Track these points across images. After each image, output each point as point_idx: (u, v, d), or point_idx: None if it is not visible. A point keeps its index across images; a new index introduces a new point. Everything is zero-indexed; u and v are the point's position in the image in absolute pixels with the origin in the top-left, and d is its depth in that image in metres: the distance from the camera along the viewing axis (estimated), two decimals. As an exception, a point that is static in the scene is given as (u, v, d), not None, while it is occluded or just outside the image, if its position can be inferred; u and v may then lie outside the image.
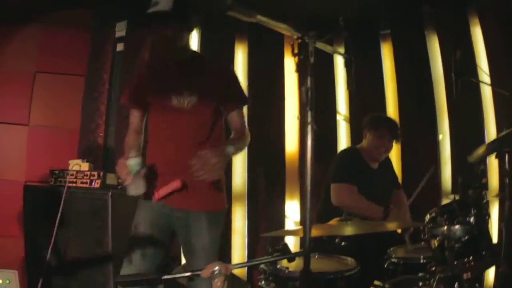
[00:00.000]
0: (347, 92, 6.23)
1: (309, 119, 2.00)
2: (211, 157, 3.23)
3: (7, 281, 5.00)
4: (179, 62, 3.57)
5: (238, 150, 3.60)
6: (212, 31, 6.06)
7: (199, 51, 5.92)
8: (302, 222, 5.81)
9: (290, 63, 6.20)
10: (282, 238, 2.91)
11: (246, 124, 3.76)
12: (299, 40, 2.11)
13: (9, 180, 5.51)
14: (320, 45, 2.26)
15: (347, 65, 2.73)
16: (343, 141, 6.19)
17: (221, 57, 6.02)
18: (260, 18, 1.99)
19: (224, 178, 3.69)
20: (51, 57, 5.79)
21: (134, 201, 3.58)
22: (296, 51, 2.13)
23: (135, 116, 3.82)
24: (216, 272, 2.19)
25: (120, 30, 5.95)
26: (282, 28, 2.10)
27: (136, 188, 3.31)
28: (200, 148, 3.35)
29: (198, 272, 2.21)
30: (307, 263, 2.03)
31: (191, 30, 3.66)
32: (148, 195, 3.53)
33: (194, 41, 6.00)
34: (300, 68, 2.08)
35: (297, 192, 6.05)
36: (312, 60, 2.07)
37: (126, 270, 3.48)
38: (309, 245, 2.12)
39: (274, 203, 6.04)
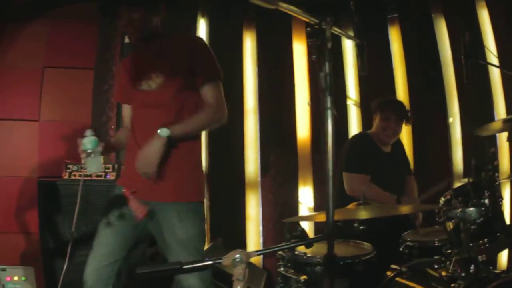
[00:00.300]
0: (356, 77, 6.23)
1: (329, 105, 2.01)
2: (140, 158, 3.27)
3: (23, 278, 5.03)
4: (147, 46, 3.51)
5: (196, 126, 3.44)
6: (219, 19, 6.07)
7: (207, 39, 5.97)
8: (317, 207, 5.90)
9: (299, 49, 6.20)
10: (298, 224, 2.90)
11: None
12: (316, 26, 2.11)
13: (22, 176, 5.52)
14: (334, 30, 2.26)
15: (359, 50, 2.73)
16: (354, 126, 6.19)
17: (230, 43, 6.08)
18: (281, 5, 2.00)
19: (195, 167, 3.56)
20: (59, 51, 5.79)
21: None
22: (312, 37, 2.13)
23: (124, 111, 3.80)
24: (237, 260, 2.19)
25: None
26: (300, 14, 2.10)
27: (91, 166, 3.27)
28: None
29: (220, 261, 2.22)
30: (331, 247, 2.04)
31: (159, 14, 3.51)
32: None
33: (202, 29, 6.03)
34: (318, 54, 2.09)
35: (310, 178, 6.06)
36: (329, 45, 2.08)
37: (92, 260, 3.47)
38: (332, 230, 2.13)
39: (287, 189, 6.07)
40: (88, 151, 3.24)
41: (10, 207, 5.44)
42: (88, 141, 3.24)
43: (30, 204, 5.24)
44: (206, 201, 5.85)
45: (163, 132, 3.22)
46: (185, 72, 3.41)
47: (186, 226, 3.38)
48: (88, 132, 3.27)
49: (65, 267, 4.25)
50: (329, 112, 2.00)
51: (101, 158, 3.32)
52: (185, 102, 3.44)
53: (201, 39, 3.63)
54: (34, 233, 5.24)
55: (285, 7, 1.99)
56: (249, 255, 2.20)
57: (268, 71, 6.14)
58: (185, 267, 2.32)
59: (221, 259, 2.21)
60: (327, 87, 2.02)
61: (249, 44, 6.17)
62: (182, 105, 3.43)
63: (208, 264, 2.27)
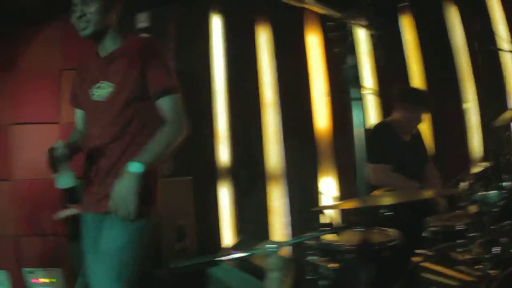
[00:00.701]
0: (371, 66, 6.27)
1: (355, 96, 2.06)
2: (115, 200, 2.97)
3: (53, 280, 5.07)
4: (100, 48, 3.29)
5: (163, 149, 3.10)
6: (233, 13, 6.11)
7: (222, 35, 6.04)
8: (342, 196, 5.94)
9: (312, 41, 6.24)
10: (325, 213, 2.94)
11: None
12: (338, 20, 2.16)
13: (47, 179, 5.52)
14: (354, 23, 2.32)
15: (376, 40, 2.79)
16: (371, 115, 6.24)
17: (244, 38, 6.15)
18: (308, 1, 2.06)
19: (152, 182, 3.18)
20: (76, 53, 5.79)
21: (180, 189, 3.51)
22: (333, 30, 2.17)
23: (77, 114, 3.53)
24: (270, 250, 2.24)
25: (142, 21, 5.93)
26: (323, 9, 2.16)
27: (62, 180, 3.10)
28: (113, 148, 3.17)
29: (253, 252, 2.26)
30: (366, 234, 2.10)
31: (115, 9, 3.26)
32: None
33: (216, 25, 6.11)
34: (340, 47, 2.14)
35: (331, 168, 6.10)
36: (351, 38, 2.13)
37: None
38: (368, 217, 2.19)
39: (309, 180, 6.09)
40: (57, 164, 3.07)
41: (36, 210, 5.49)
42: (55, 153, 3.05)
43: (55, 206, 5.29)
44: (231, 196, 5.94)
45: (135, 167, 2.97)
46: (136, 82, 3.16)
47: (115, 235, 3.11)
48: (58, 144, 3.07)
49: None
50: (355, 103, 2.06)
51: (71, 172, 3.11)
52: (134, 116, 3.20)
53: (156, 44, 3.35)
54: (61, 234, 5.29)
55: (309, 2, 2.05)
56: (282, 244, 2.25)
57: (283, 64, 6.17)
58: (217, 259, 2.38)
59: (255, 250, 2.26)
60: (352, 79, 2.07)
61: (263, 39, 6.19)
62: (130, 120, 3.19)
63: (242, 256, 2.33)
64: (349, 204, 3.45)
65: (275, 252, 2.24)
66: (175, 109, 3.18)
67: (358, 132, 2.09)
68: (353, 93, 2.04)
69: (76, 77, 3.49)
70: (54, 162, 3.07)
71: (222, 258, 2.39)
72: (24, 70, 5.79)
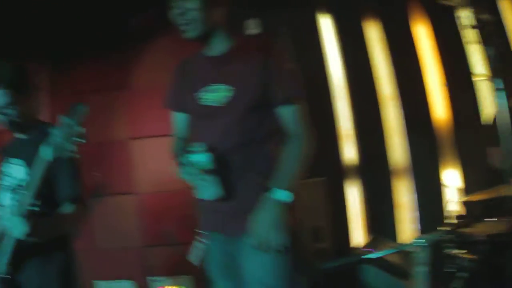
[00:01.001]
0: (481, 52, 6.14)
1: (499, 87, 2.06)
2: (258, 228, 2.70)
3: (183, 287, 5.19)
4: (210, 48, 2.93)
5: (297, 167, 2.81)
6: (340, 13, 6.13)
7: (333, 35, 6.08)
8: (468, 188, 5.83)
9: (421, 31, 6.16)
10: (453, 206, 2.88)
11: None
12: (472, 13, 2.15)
13: (174, 190, 5.39)
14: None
15: (493, 27, 2.75)
16: (485, 102, 6.11)
17: (355, 35, 6.15)
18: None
19: None
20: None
21: (313, 190, 3.47)
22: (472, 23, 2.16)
23: (178, 119, 3.17)
24: (419, 244, 2.24)
25: (251, 28, 5.94)
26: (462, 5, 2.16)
27: (208, 189, 2.73)
28: (236, 157, 2.81)
29: (400, 248, 2.27)
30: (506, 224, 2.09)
31: (219, 5, 2.86)
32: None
33: (324, 25, 6.14)
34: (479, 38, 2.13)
35: (454, 159, 6.01)
36: (488, 28, 2.13)
37: None
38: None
39: (433, 173, 6.02)
40: (202, 170, 2.66)
41: (160, 221, 5.66)
42: (202, 158, 2.66)
43: (187, 215, 5.37)
44: (361, 194, 5.96)
45: (281, 195, 2.70)
46: (258, 87, 2.81)
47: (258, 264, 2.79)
48: (199, 147, 2.69)
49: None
50: (498, 92, 2.06)
51: (215, 178, 2.71)
52: (258, 122, 2.86)
53: (278, 42, 2.88)
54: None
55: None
56: (430, 239, 2.25)
57: (396, 57, 6.12)
58: (364, 257, 2.40)
59: (402, 246, 2.28)
60: (493, 71, 2.06)
61: (373, 34, 6.16)
62: (254, 126, 2.85)
63: (391, 253, 2.34)
64: (487, 195, 3.41)
65: (423, 246, 2.23)
66: (299, 120, 2.85)
67: (502, 121, 2.08)
68: (496, 83, 2.03)
69: (176, 79, 3.17)
70: (194, 172, 2.70)
71: (367, 256, 2.39)
72: (139, 86, 5.99)
